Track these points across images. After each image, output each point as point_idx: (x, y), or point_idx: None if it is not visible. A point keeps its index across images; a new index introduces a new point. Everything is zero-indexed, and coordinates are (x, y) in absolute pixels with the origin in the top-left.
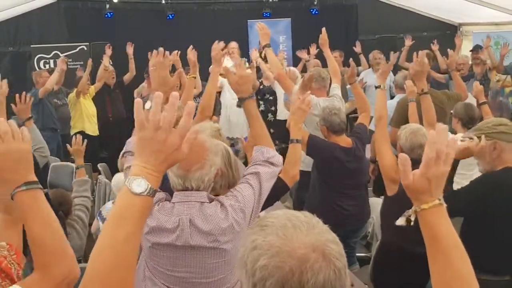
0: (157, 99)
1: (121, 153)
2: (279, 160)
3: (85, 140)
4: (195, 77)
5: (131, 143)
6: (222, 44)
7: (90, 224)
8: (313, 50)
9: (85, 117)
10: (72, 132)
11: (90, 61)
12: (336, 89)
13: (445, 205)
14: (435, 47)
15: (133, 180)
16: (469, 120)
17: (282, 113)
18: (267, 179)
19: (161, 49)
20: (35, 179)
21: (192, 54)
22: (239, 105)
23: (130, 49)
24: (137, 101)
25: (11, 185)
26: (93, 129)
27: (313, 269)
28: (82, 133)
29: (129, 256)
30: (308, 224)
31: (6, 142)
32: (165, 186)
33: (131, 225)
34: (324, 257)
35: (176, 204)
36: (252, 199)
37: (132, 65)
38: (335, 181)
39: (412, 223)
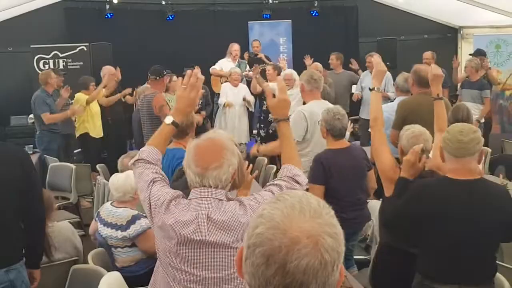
0: None
1: (133, 160)
2: (304, 181)
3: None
4: None
5: (145, 152)
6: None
7: (88, 225)
8: (308, 61)
9: (90, 119)
10: (77, 134)
11: (106, 80)
12: None
13: None
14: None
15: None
16: (453, 121)
17: None
18: None
19: (196, 70)
20: None
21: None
22: (276, 126)
23: (131, 101)
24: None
25: None
26: (97, 131)
27: (300, 253)
28: (86, 135)
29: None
30: (316, 211)
31: None
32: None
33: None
34: (315, 246)
35: (193, 200)
36: None
37: (133, 100)
38: (332, 185)
39: None
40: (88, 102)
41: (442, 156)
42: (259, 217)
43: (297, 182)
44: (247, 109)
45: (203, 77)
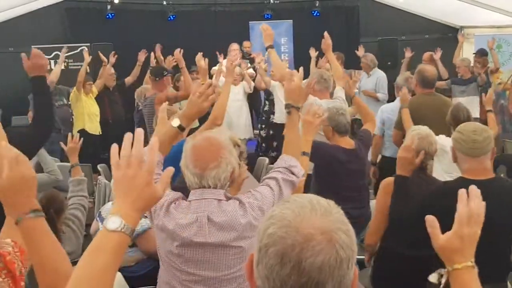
0: (128, 138)
1: None
2: (300, 172)
3: (81, 139)
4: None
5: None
6: (237, 57)
7: (89, 225)
8: (313, 53)
9: (86, 116)
10: (74, 130)
11: (87, 55)
12: (340, 91)
13: (476, 269)
14: (436, 56)
15: (109, 217)
16: (454, 123)
17: (280, 117)
18: (286, 185)
19: (215, 82)
20: (39, 206)
21: (202, 62)
22: (288, 112)
23: (142, 56)
24: (113, 146)
25: (16, 209)
26: (94, 128)
27: (314, 249)
28: (83, 131)
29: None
30: (326, 210)
31: (13, 169)
32: (176, 187)
33: (107, 260)
34: (329, 242)
35: (193, 201)
36: (271, 200)
37: (137, 71)
38: (335, 183)
39: (441, 286)
40: (78, 86)
41: (454, 156)
42: (269, 219)
43: (293, 173)
44: (249, 106)
45: (219, 90)
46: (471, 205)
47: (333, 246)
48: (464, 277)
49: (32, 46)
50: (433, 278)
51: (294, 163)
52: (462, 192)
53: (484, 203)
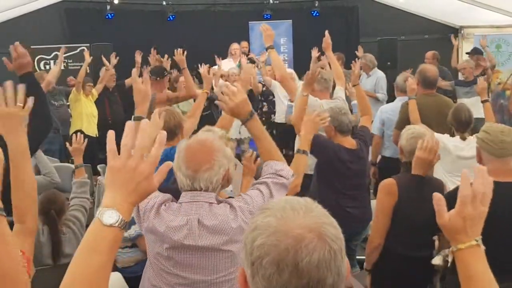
0: (128, 127)
1: None
2: (289, 173)
3: (85, 140)
4: (207, 92)
5: None
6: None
7: (88, 226)
8: (315, 53)
9: (84, 116)
10: (71, 131)
11: (87, 55)
12: (340, 91)
13: (482, 246)
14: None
15: (104, 211)
16: (456, 124)
17: (280, 116)
18: (276, 189)
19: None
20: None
21: (205, 71)
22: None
23: (138, 57)
24: (110, 132)
25: None
26: (92, 130)
27: (308, 248)
28: (80, 132)
29: (101, 286)
30: (306, 207)
31: None
32: (169, 189)
33: (102, 256)
34: (320, 238)
35: (184, 204)
36: (262, 203)
37: (131, 81)
38: (336, 182)
39: (449, 264)
40: (77, 86)
41: (479, 156)
42: (254, 230)
43: (281, 176)
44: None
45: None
46: (474, 185)
47: (324, 241)
48: (468, 257)
49: (32, 46)
50: (436, 260)
51: (280, 167)
52: (464, 172)
53: (492, 179)
